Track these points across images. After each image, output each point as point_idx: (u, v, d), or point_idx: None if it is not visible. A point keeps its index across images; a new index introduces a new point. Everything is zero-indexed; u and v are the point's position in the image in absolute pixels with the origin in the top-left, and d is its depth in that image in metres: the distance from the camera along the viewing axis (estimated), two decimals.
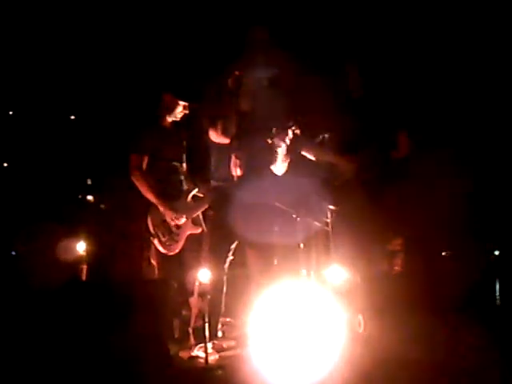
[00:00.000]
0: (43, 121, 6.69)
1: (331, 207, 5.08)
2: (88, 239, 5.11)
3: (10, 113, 6.69)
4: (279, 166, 5.13)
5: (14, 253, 6.30)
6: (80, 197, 6.93)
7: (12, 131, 6.67)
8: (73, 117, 6.83)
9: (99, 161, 6.42)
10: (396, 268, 5.35)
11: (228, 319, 5.28)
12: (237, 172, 5.14)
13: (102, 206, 6.78)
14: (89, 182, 6.94)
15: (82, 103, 6.53)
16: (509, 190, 6.14)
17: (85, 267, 4.93)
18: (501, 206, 6.22)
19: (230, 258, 5.21)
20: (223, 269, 5.15)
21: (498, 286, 5.91)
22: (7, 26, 6.25)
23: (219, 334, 5.21)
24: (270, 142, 5.06)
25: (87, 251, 5.02)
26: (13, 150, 6.74)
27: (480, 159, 5.90)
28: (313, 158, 5.27)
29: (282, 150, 5.06)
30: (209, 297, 4.89)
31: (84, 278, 4.95)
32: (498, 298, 5.77)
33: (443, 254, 6.02)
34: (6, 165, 6.69)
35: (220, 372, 4.62)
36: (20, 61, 6.44)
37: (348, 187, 5.22)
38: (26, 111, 6.71)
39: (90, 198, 6.90)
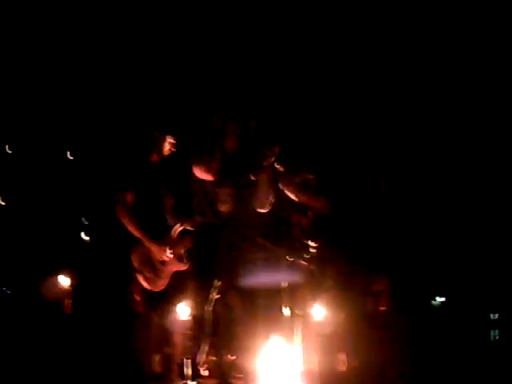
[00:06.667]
0: (40, 160, 6.75)
1: (312, 244, 5.13)
2: (73, 273, 5.14)
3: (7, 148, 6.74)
4: (262, 203, 5.20)
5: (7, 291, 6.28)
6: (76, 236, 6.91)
7: (9, 169, 6.74)
8: (70, 156, 6.86)
9: (95, 200, 6.44)
10: (381, 308, 5.32)
11: (213, 358, 5.27)
12: (222, 208, 5.21)
13: (98, 246, 6.75)
14: (85, 221, 6.94)
15: (77, 141, 6.60)
16: None
17: (69, 302, 4.96)
18: None
19: (215, 296, 5.24)
20: (207, 307, 5.16)
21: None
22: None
23: (204, 372, 5.19)
24: (253, 178, 5.15)
25: (72, 286, 5.05)
26: (9, 188, 6.78)
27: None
28: (294, 198, 5.32)
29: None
30: (190, 333, 4.90)
31: (68, 312, 4.97)
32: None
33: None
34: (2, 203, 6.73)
35: None
36: (16, 99, 6.56)
37: (328, 225, 5.25)
38: (23, 150, 6.79)
39: (85, 238, 6.88)
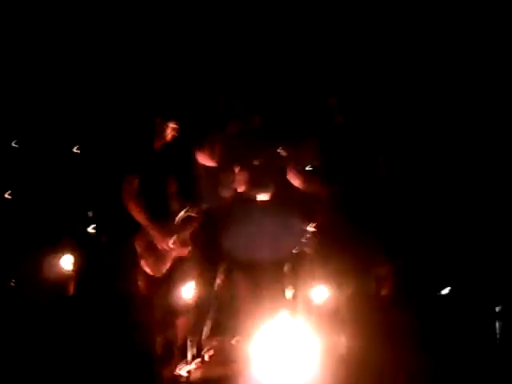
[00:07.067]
0: (46, 151, 6.77)
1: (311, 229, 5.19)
2: (76, 257, 5.18)
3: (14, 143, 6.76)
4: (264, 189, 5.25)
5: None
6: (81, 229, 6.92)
7: (14, 161, 6.77)
8: (76, 149, 6.86)
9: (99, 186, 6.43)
10: (384, 292, 5.34)
11: (214, 340, 5.33)
12: (226, 193, 5.26)
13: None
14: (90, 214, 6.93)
15: (80, 129, 6.60)
16: None
17: (72, 285, 5.01)
18: None
19: (219, 277, 5.31)
20: (211, 290, 5.22)
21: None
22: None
23: (206, 355, 5.26)
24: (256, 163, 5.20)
25: (75, 269, 5.10)
26: (15, 181, 6.80)
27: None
28: (298, 186, 5.36)
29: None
30: (193, 316, 4.95)
31: (71, 293, 5.03)
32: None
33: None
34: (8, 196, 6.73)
35: None
36: (18, 89, 6.58)
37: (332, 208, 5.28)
38: (28, 142, 6.81)
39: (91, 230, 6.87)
